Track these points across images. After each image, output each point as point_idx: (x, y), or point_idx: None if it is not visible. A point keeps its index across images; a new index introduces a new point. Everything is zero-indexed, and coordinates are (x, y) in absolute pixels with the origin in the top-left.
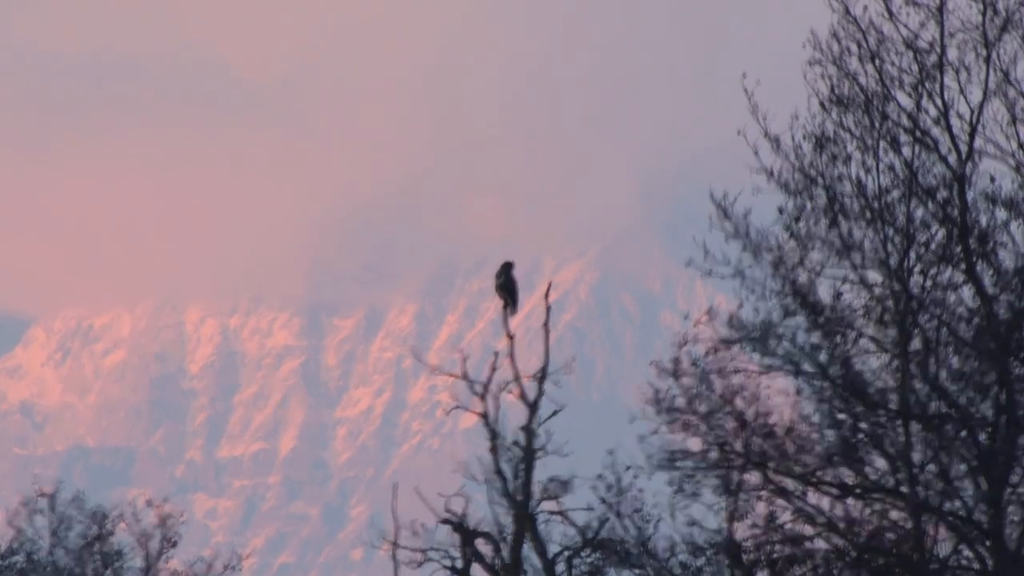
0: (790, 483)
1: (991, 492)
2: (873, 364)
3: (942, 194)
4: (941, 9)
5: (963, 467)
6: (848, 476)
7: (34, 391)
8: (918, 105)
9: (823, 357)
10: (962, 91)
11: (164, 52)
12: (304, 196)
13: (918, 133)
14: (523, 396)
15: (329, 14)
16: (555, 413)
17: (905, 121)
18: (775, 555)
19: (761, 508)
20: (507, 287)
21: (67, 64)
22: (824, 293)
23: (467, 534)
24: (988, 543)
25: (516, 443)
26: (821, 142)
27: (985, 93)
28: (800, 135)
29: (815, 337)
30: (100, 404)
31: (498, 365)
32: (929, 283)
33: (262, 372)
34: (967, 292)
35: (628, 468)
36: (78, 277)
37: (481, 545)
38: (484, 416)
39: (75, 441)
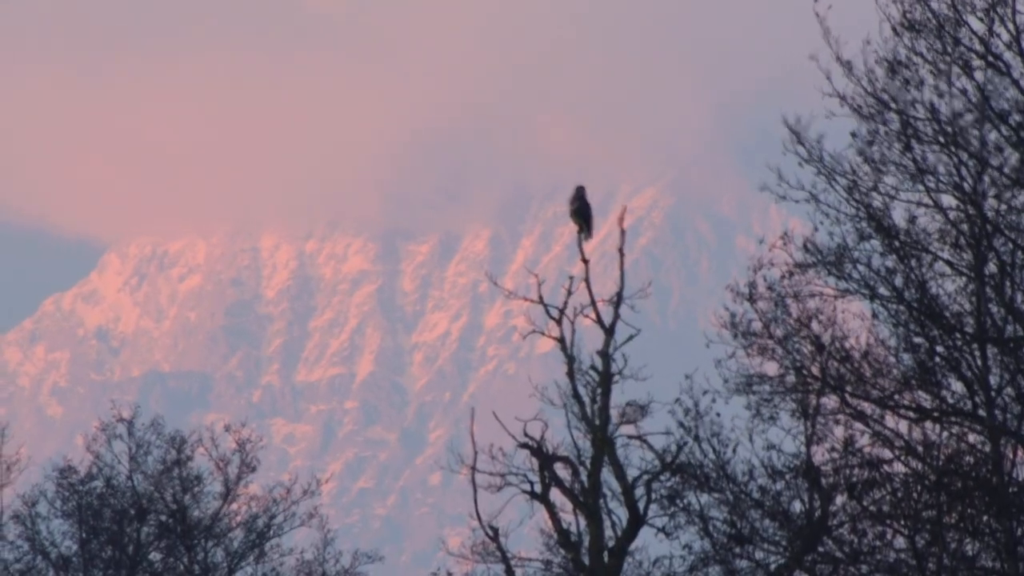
0: (867, 407)
1: None
2: (949, 288)
3: (1015, 118)
4: None
5: None
6: (925, 400)
7: (110, 316)
8: (990, 30)
9: (899, 281)
10: None
11: None
12: (377, 121)
13: (990, 57)
14: (599, 320)
15: None
16: (631, 337)
17: (977, 46)
18: (853, 479)
19: (839, 432)
20: (581, 212)
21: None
22: (899, 217)
23: (545, 458)
24: None
25: (593, 367)
26: (894, 67)
27: None
28: (872, 60)
29: (890, 261)
30: (176, 329)
31: (574, 289)
32: (1004, 207)
33: (338, 297)
34: None
35: (705, 392)
36: (153, 203)
37: (559, 469)
38: (561, 340)
39: (152, 366)
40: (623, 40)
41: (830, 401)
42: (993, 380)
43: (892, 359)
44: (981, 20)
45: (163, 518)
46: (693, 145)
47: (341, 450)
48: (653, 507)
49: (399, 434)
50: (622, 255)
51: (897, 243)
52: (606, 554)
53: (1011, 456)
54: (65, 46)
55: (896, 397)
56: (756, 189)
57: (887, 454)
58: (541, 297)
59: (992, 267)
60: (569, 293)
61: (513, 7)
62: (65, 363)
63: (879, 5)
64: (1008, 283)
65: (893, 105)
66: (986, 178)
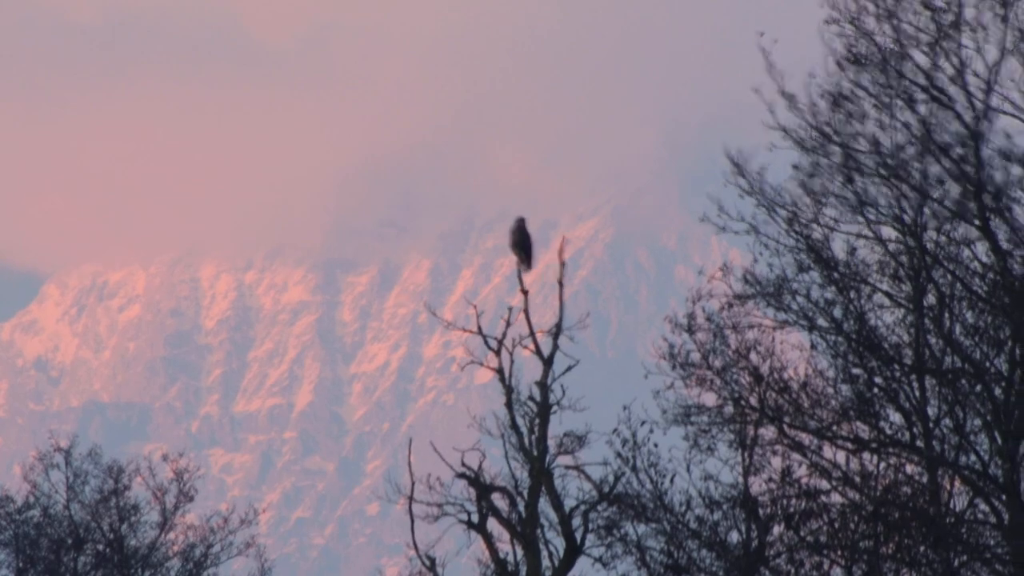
0: (805, 437)
1: (1006, 446)
2: (888, 319)
3: (957, 151)
4: None
5: (978, 421)
6: (863, 430)
7: (49, 347)
8: (935, 64)
9: (838, 312)
10: (979, 50)
11: (178, 13)
12: (319, 152)
13: (934, 91)
14: (538, 351)
15: None
16: (570, 368)
17: (921, 79)
18: (791, 509)
19: (777, 462)
20: (521, 244)
21: (83, 24)
22: (838, 249)
23: (483, 488)
24: (1004, 497)
25: (531, 398)
26: (837, 100)
27: (1002, 52)
28: (816, 93)
29: (830, 292)
30: (116, 360)
31: (513, 320)
32: (944, 239)
33: (278, 328)
34: (981, 248)
35: (643, 423)
36: (93, 233)
37: (497, 499)
38: (499, 371)
39: (91, 397)
40: (570, 72)
41: (768, 432)
42: (931, 411)
43: (830, 390)
44: (925, 54)
45: (100, 547)
46: (636, 176)
47: (279, 480)
48: (590, 537)
49: (337, 464)
50: (561, 286)
51: (836, 275)
52: None
53: (948, 487)
54: (7, 77)
55: (834, 428)
56: (697, 220)
57: (825, 485)
58: (480, 328)
59: (931, 299)
60: (508, 324)
61: (458, 39)
62: (3, 393)
63: (824, 40)
64: (947, 315)
65: (836, 138)
66: (926, 210)
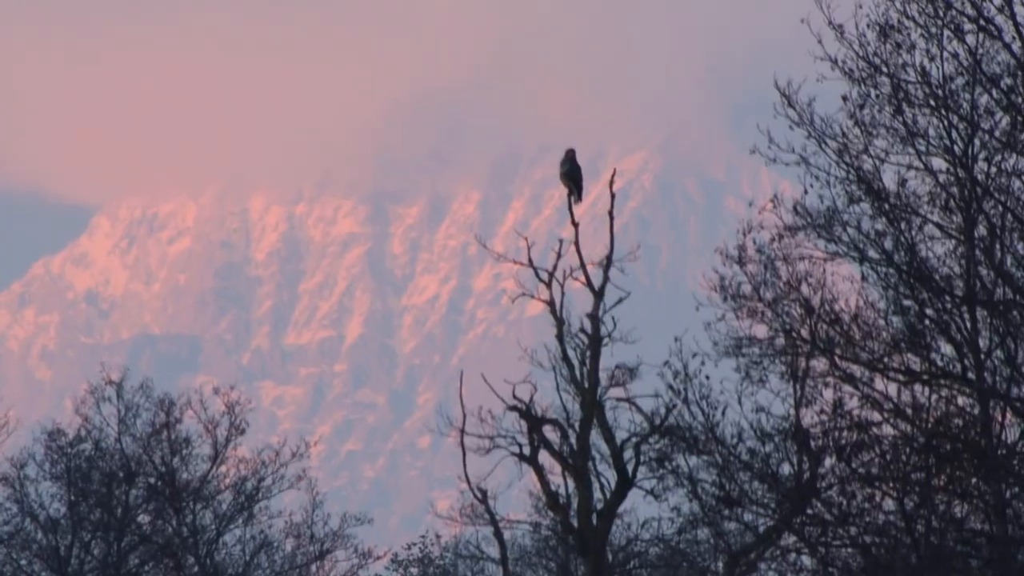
0: (857, 369)
1: None
2: (938, 250)
3: (1006, 81)
4: None
5: None
6: (915, 362)
7: (100, 280)
8: None
9: (888, 243)
10: None
11: None
12: (366, 84)
13: (982, 21)
14: (589, 283)
15: None
16: (621, 300)
17: (969, 9)
18: (843, 441)
19: (828, 395)
20: (571, 175)
21: None
22: (889, 180)
23: (534, 421)
24: None
25: (582, 330)
26: (885, 30)
27: None
28: (864, 23)
29: (880, 224)
30: (166, 292)
31: (563, 252)
32: (994, 170)
33: (328, 260)
34: None
35: (695, 355)
36: (142, 166)
37: (548, 432)
38: (550, 303)
39: (141, 329)
40: (614, 4)
41: (819, 364)
42: (982, 343)
43: (881, 322)
44: None
45: (152, 481)
46: (683, 107)
47: (330, 413)
48: (642, 469)
49: (388, 397)
50: (612, 218)
51: (887, 206)
52: (595, 516)
53: (1000, 419)
54: (53, 10)
55: (885, 360)
56: (746, 152)
57: (876, 417)
58: (531, 260)
59: (982, 230)
60: (559, 256)
61: None
62: (54, 326)
63: None
64: (997, 246)
65: (884, 69)
66: (976, 141)
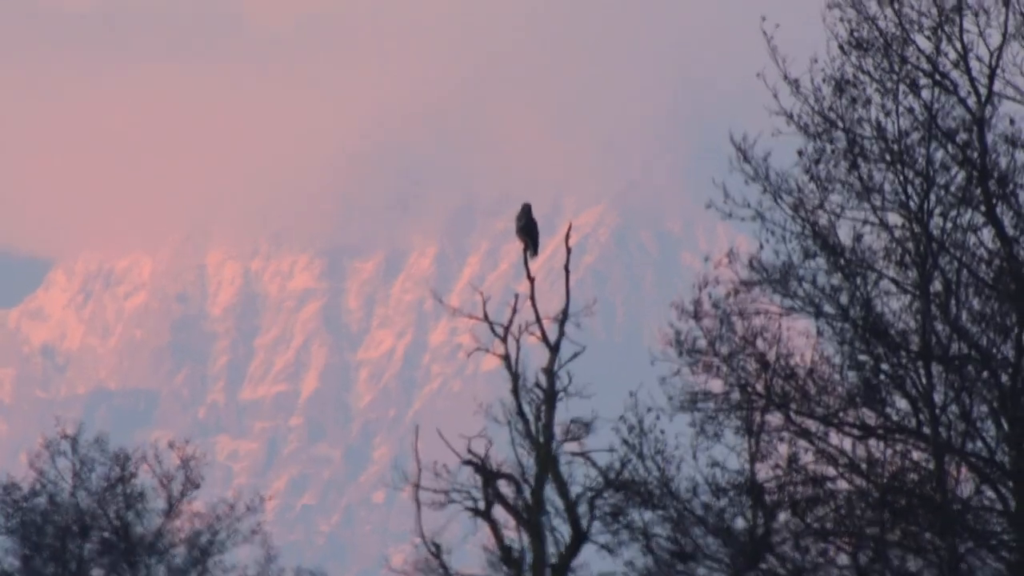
0: (812, 424)
1: (1013, 433)
2: (894, 305)
3: (962, 136)
4: None
5: (984, 408)
6: (870, 417)
7: (56, 334)
8: (937, 48)
9: (844, 298)
10: (981, 34)
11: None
12: (323, 137)
13: (937, 76)
14: (544, 338)
15: None
16: (576, 355)
17: (924, 64)
18: (797, 496)
19: (783, 449)
20: (528, 230)
21: (82, 10)
22: (844, 235)
23: (489, 475)
24: (1010, 484)
25: (538, 385)
26: (841, 85)
27: (1004, 36)
28: (820, 78)
29: (836, 279)
30: (122, 346)
31: (519, 307)
32: (949, 225)
33: (283, 314)
34: (987, 234)
35: (650, 409)
36: (99, 220)
37: (503, 486)
38: (505, 358)
39: (97, 383)
40: (573, 55)
41: (774, 418)
42: (937, 398)
43: (837, 377)
44: (928, 39)
45: (106, 535)
46: (641, 158)
47: (285, 467)
48: (596, 524)
49: (343, 451)
50: (568, 273)
51: (843, 261)
52: (549, 571)
53: (955, 473)
54: (9, 65)
55: (840, 414)
56: (702, 206)
57: (831, 471)
58: (487, 315)
59: (937, 285)
60: (514, 311)
61: (460, 20)
62: (10, 380)
63: (826, 24)
64: (953, 301)
65: (840, 123)
66: (932, 197)
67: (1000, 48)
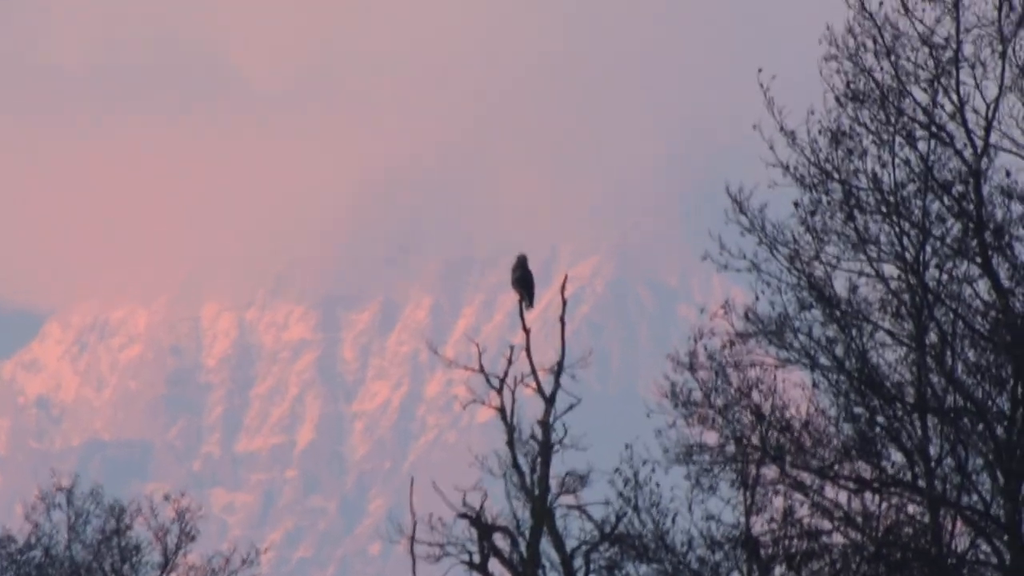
0: (807, 477)
1: (1008, 486)
2: (890, 357)
3: (958, 188)
4: (957, 5)
5: (980, 461)
6: (865, 470)
7: (51, 385)
8: (934, 100)
9: (839, 350)
10: (978, 86)
11: (167, 55)
12: (316, 190)
13: (934, 128)
14: (540, 390)
15: (335, 7)
16: (572, 407)
17: (921, 116)
18: (792, 549)
19: (778, 502)
20: (523, 281)
21: (74, 66)
22: (840, 287)
23: (485, 528)
24: (1006, 537)
25: (533, 437)
26: (837, 137)
27: (1001, 88)
28: (816, 130)
29: (831, 330)
30: (117, 398)
31: (514, 359)
32: (945, 277)
33: (279, 366)
34: (983, 286)
35: (645, 462)
36: (94, 272)
37: (499, 540)
38: (501, 410)
39: (92, 435)
40: (568, 105)
41: (770, 471)
42: (933, 450)
43: (832, 429)
44: (925, 91)
45: None
46: (636, 209)
47: (280, 519)
48: None
49: (339, 503)
50: (563, 324)
51: (838, 313)
52: None
53: (950, 527)
54: (10, 114)
55: (836, 467)
56: (698, 258)
57: (826, 525)
58: (482, 366)
59: (933, 337)
60: (510, 362)
61: (456, 72)
62: (4, 431)
63: (823, 76)
64: (949, 353)
65: (836, 175)
66: (928, 248)
67: (996, 100)
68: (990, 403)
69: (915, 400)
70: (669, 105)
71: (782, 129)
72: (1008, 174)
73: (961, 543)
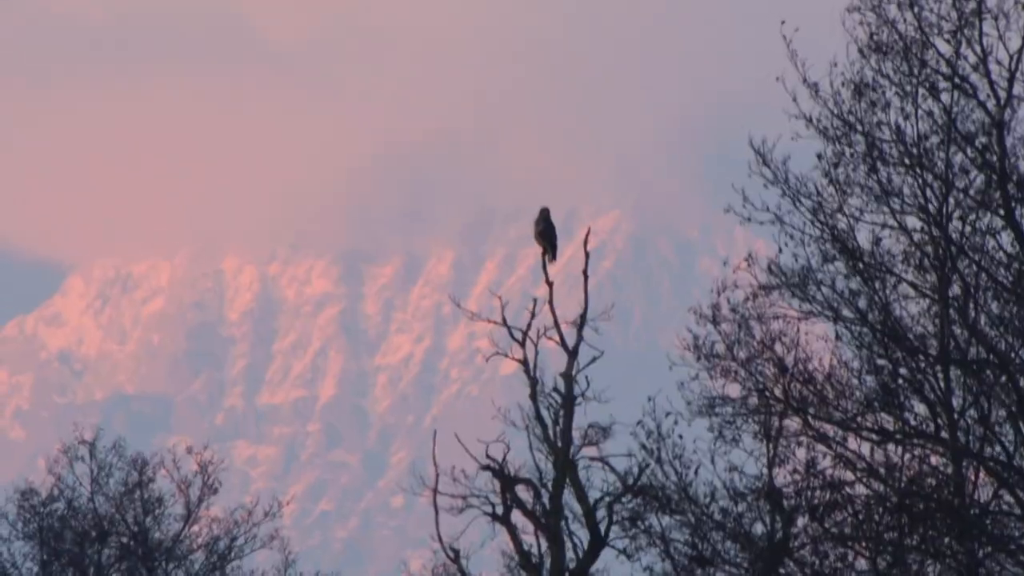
0: (830, 429)
1: None
2: (912, 309)
3: (981, 140)
4: None
5: (1003, 412)
6: (888, 422)
7: (73, 339)
8: (957, 52)
9: (862, 303)
10: (1001, 37)
11: (187, 13)
12: (339, 143)
13: (957, 79)
14: (562, 343)
15: None
16: (594, 359)
17: (944, 68)
18: (815, 501)
19: (801, 454)
20: (546, 234)
21: (97, 22)
22: (863, 239)
23: (507, 480)
24: None
25: (556, 390)
26: (860, 88)
27: None
28: (839, 82)
29: (854, 283)
30: (139, 352)
31: (537, 311)
32: (968, 229)
33: (301, 320)
34: (1006, 238)
35: (668, 414)
36: (116, 226)
37: (521, 491)
38: (523, 363)
39: (115, 389)
40: (587, 61)
41: (793, 423)
42: (956, 402)
43: (855, 381)
44: (948, 42)
45: (124, 540)
46: (657, 165)
47: (303, 472)
48: (614, 529)
49: (361, 457)
50: (586, 277)
51: (861, 265)
52: None
53: (973, 478)
54: (29, 74)
55: (859, 419)
56: (720, 211)
57: (849, 476)
58: (505, 319)
59: (956, 289)
60: (533, 315)
61: (473, 29)
62: (28, 386)
63: (846, 27)
64: (972, 305)
65: (859, 127)
66: (951, 200)
67: (1020, 52)
68: (1013, 355)
69: (938, 352)
70: (689, 59)
71: (805, 81)
72: None
73: (984, 494)
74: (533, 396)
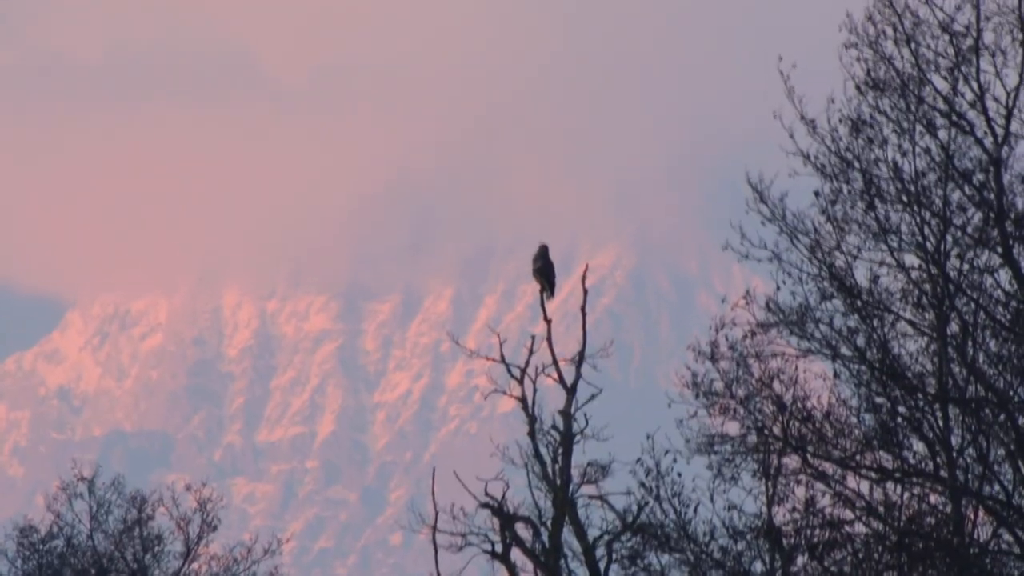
0: (829, 467)
1: None
2: (911, 347)
3: (978, 177)
4: None
5: (1002, 451)
6: (887, 460)
7: (72, 376)
8: (954, 89)
9: (861, 340)
10: (998, 74)
11: (188, 49)
12: (339, 179)
13: (954, 116)
14: (561, 380)
15: (352, 7)
16: (593, 397)
17: (941, 104)
18: (814, 539)
19: (800, 492)
20: (544, 271)
21: (95, 60)
22: (861, 276)
23: (506, 518)
24: None
25: (554, 427)
26: (857, 125)
27: (1021, 76)
28: (836, 118)
29: (852, 320)
30: (138, 388)
31: (536, 349)
32: (966, 266)
33: (300, 356)
34: (1004, 275)
35: (667, 452)
36: (115, 262)
37: (520, 529)
38: (522, 400)
39: (113, 426)
40: (586, 97)
41: (791, 461)
42: (955, 440)
43: (854, 419)
44: (945, 79)
45: None
46: (657, 200)
47: (302, 510)
48: (614, 567)
49: (360, 493)
50: (584, 314)
51: (859, 303)
52: None
53: (972, 517)
54: (29, 111)
55: (857, 457)
56: (718, 247)
57: (848, 515)
58: (503, 356)
59: (954, 327)
60: (531, 352)
61: (473, 66)
62: (26, 422)
63: (843, 64)
64: (970, 343)
65: (857, 164)
66: (949, 238)
67: (1017, 88)
68: (1012, 393)
69: (936, 390)
70: (688, 95)
71: (802, 118)
72: None
73: (983, 533)
74: (532, 434)
